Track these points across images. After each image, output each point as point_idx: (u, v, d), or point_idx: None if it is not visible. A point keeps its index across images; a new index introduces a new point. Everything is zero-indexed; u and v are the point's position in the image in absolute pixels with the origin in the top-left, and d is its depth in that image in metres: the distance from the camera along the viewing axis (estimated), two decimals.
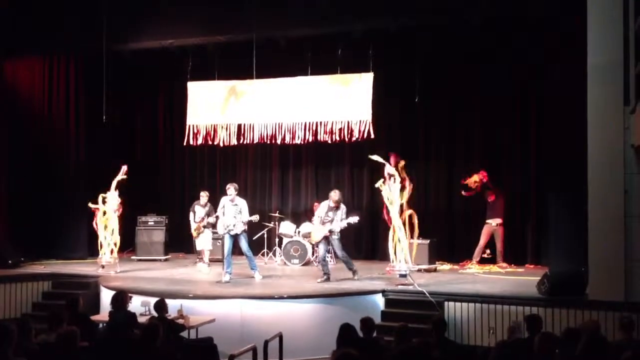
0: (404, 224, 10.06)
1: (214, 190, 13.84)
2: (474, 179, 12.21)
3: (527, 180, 12.75)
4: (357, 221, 10.64)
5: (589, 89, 8.86)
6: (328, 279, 10.51)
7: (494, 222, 12.22)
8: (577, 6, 9.12)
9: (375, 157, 10.31)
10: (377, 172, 10.79)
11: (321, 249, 10.71)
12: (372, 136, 11.62)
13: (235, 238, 10.89)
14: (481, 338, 8.97)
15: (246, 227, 11.01)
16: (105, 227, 11.75)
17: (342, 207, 10.62)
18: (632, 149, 8.56)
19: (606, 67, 8.73)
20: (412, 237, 10.26)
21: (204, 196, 12.79)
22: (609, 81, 8.72)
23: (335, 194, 10.64)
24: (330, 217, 10.51)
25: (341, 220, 10.48)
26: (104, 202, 11.71)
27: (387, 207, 10.11)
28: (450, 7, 10.70)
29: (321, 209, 10.73)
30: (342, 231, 10.68)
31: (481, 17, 10.69)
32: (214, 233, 12.74)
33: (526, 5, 10.31)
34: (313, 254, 12.97)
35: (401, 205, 10.07)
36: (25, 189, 13.19)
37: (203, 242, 12.75)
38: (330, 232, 10.51)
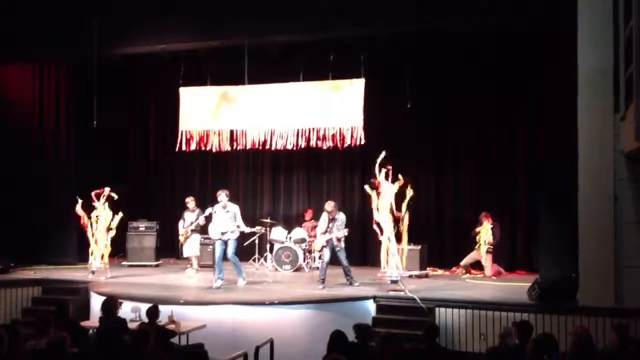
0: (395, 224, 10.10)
1: (204, 196, 13.84)
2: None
3: (518, 186, 12.80)
4: (346, 234, 10.67)
5: (579, 96, 8.89)
6: (322, 283, 10.53)
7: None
8: (568, 14, 9.16)
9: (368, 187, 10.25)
10: (369, 175, 10.79)
11: (326, 254, 10.74)
12: (364, 142, 11.65)
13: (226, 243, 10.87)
14: (472, 344, 8.98)
15: (238, 233, 10.99)
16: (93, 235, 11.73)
17: (340, 217, 10.70)
18: (622, 155, 8.60)
19: (596, 73, 8.77)
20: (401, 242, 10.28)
21: (190, 202, 12.82)
22: (599, 88, 8.76)
23: (328, 205, 10.77)
24: (330, 228, 10.62)
25: (337, 230, 10.55)
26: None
27: (374, 215, 10.17)
28: (441, 15, 10.72)
29: (322, 221, 10.83)
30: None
31: (473, 24, 10.73)
32: (204, 239, 12.69)
33: (516, 13, 10.34)
34: (304, 260, 12.96)
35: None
36: (15, 194, 13.09)
37: (190, 248, 12.72)
38: (328, 241, 10.60)
